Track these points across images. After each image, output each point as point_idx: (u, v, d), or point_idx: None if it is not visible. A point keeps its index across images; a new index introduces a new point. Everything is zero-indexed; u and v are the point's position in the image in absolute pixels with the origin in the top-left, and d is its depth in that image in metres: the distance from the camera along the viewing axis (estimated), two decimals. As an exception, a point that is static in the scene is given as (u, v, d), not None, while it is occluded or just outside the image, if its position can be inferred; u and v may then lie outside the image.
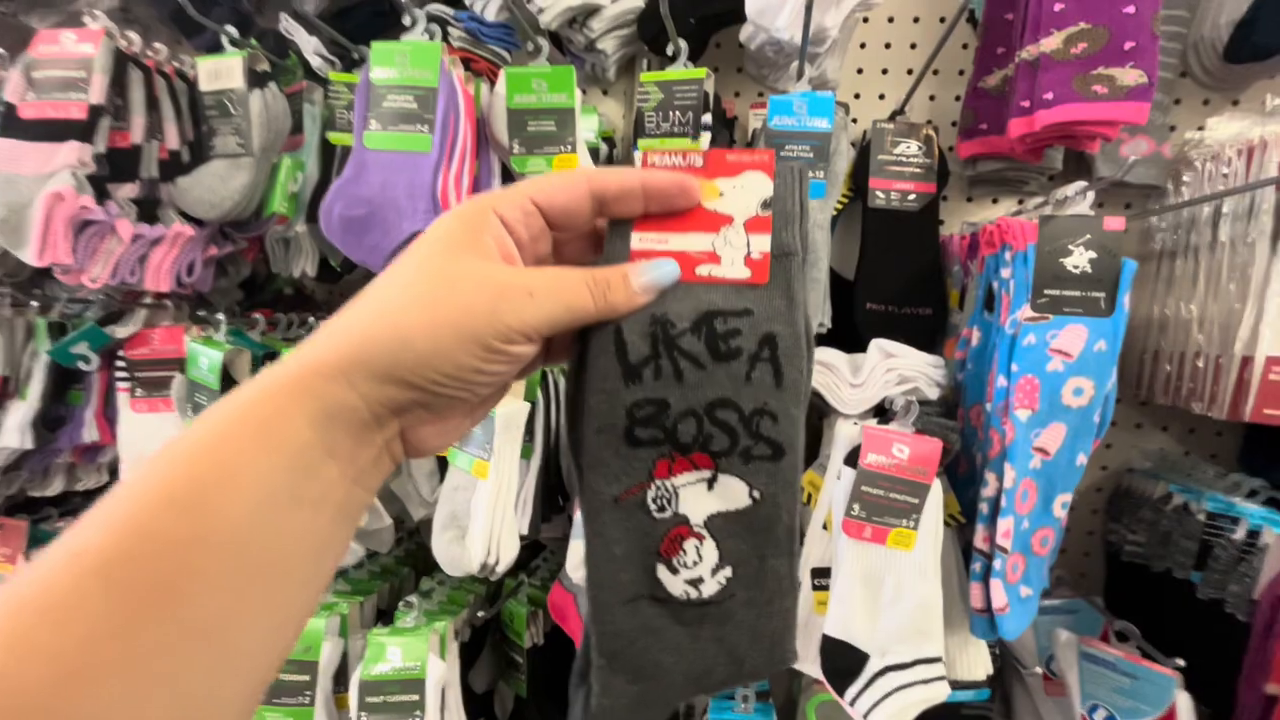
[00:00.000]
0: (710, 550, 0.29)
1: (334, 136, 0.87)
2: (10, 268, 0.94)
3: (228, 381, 0.87)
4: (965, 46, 0.96)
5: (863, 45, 0.98)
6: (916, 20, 0.97)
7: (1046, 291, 0.67)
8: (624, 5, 0.87)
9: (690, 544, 0.29)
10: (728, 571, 0.29)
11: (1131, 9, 0.70)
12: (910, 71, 0.98)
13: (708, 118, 0.81)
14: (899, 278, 0.89)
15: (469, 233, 0.25)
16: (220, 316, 0.91)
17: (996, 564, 0.68)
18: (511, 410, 0.78)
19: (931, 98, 0.99)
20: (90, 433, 0.94)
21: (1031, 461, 0.67)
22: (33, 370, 0.92)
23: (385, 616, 0.97)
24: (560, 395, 0.87)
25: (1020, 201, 0.99)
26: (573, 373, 0.29)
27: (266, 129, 0.86)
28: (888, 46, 0.98)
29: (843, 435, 0.73)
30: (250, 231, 0.93)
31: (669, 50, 0.84)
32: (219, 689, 0.20)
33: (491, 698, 1.05)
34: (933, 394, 0.76)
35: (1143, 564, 0.90)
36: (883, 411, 0.77)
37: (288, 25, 0.89)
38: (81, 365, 0.91)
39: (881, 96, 1.00)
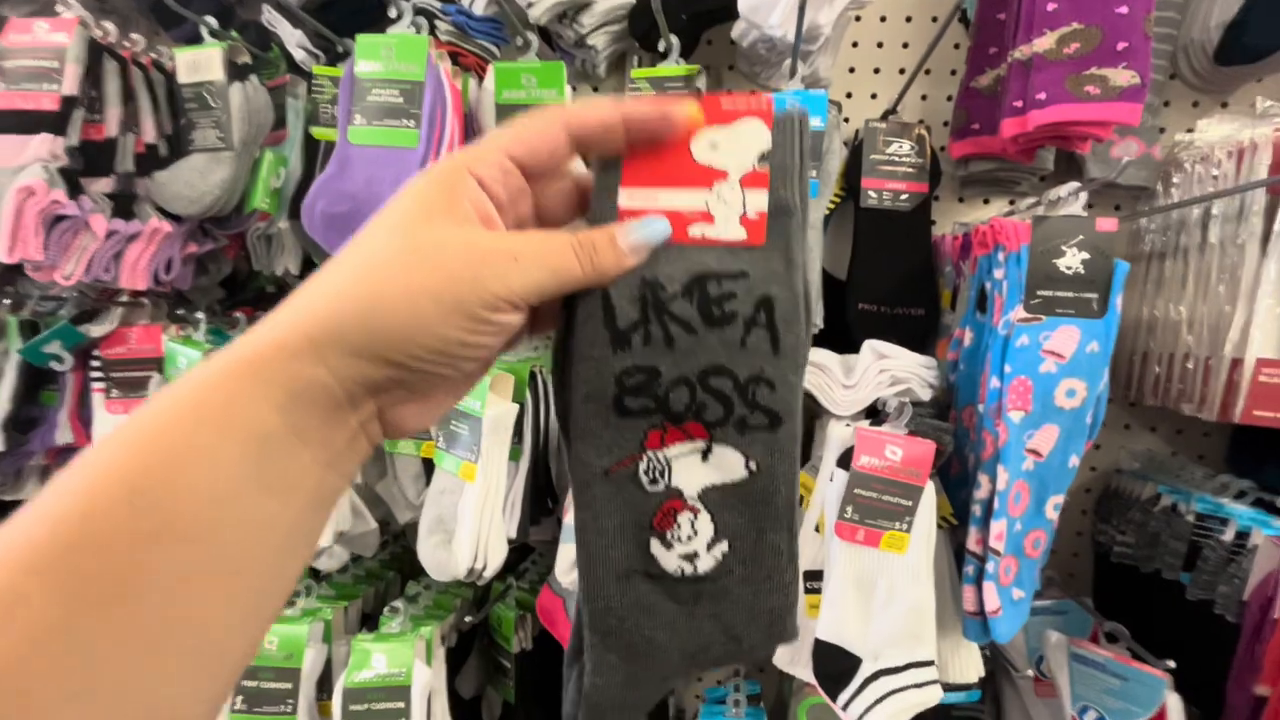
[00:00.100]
0: (705, 524, 0.28)
1: (318, 131, 0.86)
2: (-20, 264, 0.91)
3: (207, 382, 0.84)
4: (957, 46, 0.96)
5: (855, 44, 0.98)
6: (909, 19, 0.97)
7: (1039, 292, 0.67)
8: (615, 0, 0.86)
9: (684, 518, 0.28)
10: (724, 546, 0.28)
11: (1124, 9, 0.70)
12: (902, 71, 0.98)
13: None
14: (891, 278, 0.88)
15: (445, 196, 0.24)
16: (200, 315, 0.89)
17: (989, 566, 0.68)
18: (500, 412, 0.77)
19: (924, 97, 0.99)
20: (64, 434, 0.92)
21: (1024, 463, 0.67)
22: (4, 370, 0.89)
23: (370, 621, 0.96)
24: (549, 397, 0.86)
25: (1012, 202, 0.99)
26: (559, 340, 0.28)
27: (247, 122, 0.83)
28: (880, 45, 0.98)
29: (835, 437, 0.73)
30: (231, 228, 0.91)
31: (660, 46, 0.83)
32: (178, 691, 0.19)
33: (479, 703, 1.04)
34: (925, 395, 0.75)
35: (1132, 565, 0.90)
36: (875, 412, 0.76)
37: (270, 17, 0.87)
38: (54, 365, 0.89)
39: (874, 96, 0.99)
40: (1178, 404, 0.83)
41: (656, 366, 0.27)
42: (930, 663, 0.68)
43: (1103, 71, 0.71)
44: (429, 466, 0.86)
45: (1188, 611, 0.80)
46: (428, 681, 0.79)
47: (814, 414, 0.83)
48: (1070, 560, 1.06)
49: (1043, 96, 0.73)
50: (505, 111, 0.76)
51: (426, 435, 0.84)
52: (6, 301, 0.92)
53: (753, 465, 0.28)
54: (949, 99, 0.96)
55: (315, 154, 0.91)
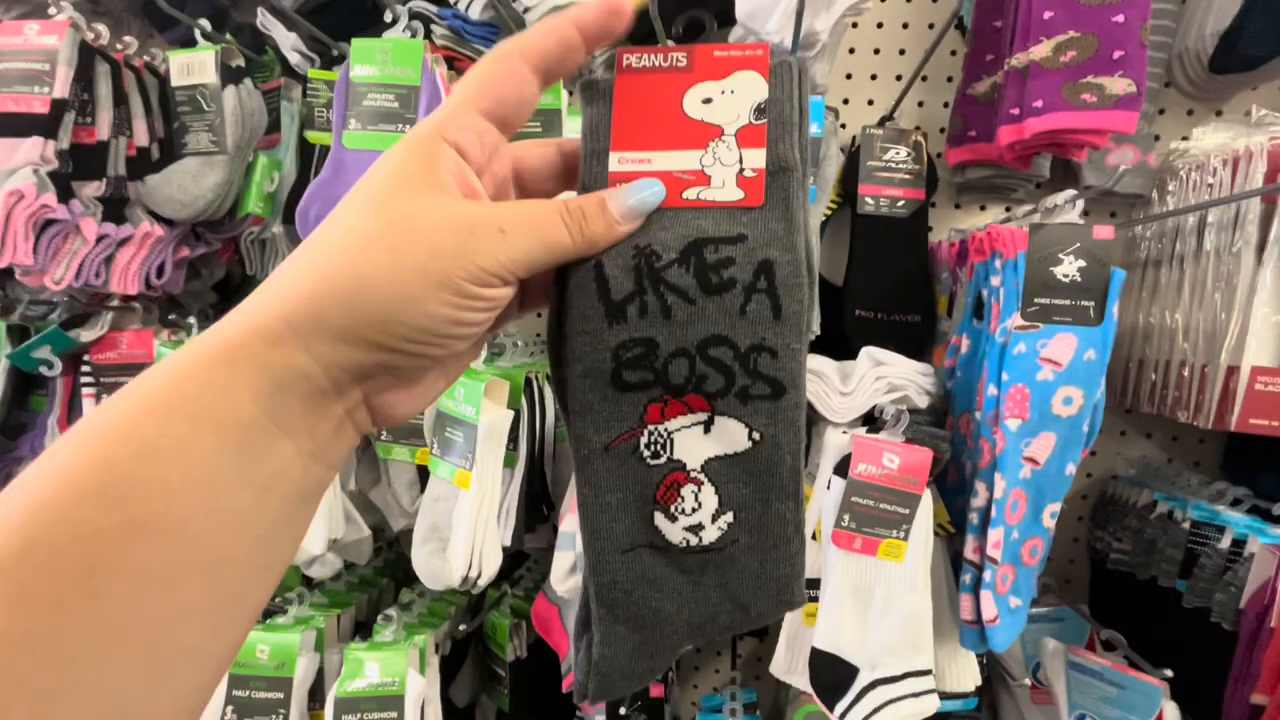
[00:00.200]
0: (709, 496, 0.28)
1: (312, 135, 0.85)
2: (-31, 268, 0.90)
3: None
4: (954, 53, 0.96)
5: (852, 50, 0.98)
6: (906, 26, 0.97)
7: (1037, 300, 0.66)
8: (612, 6, 0.86)
9: (688, 490, 0.28)
10: (729, 517, 0.28)
11: (1120, 18, 0.70)
12: (899, 77, 0.98)
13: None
14: (888, 284, 0.88)
15: (423, 166, 0.22)
16: (192, 320, 0.88)
17: (986, 575, 0.68)
18: (495, 419, 0.76)
19: (920, 104, 0.99)
20: (54, 440, 0.91)
21: (1021, 471, 0.67)
22: (-8, 375, 0.89)
23: (364, 629, 0.95)
24: (545, 403, 0.85)
25: (1008, 209, 0.99)
26: (553, 313, 0.27)
27: (241, 126, 0.83)
28: (876, 52, 0.98)
29: (832, 444, 0.72)
30: (224, 232, 0.90)
31: (657, 52, 0.82)
32: (153, 695, 0.18)
33: (473, 712, 1.03)
34: (922, 402, 0.75)
35: (1128, 572, 0.90)
36: (872, 420, 0.76)
37: (265, 20, 0.86)
38: (44, 370, 0.88)
39: (870, 102, 0.99)
40: (1173, 411, 0.83)
41: (654, 338, 0.26)
42: (928, 672, 0.68)
43: (1099, 79, 0.71)
44: (424, 473, 0.86)
45: (1184, 619, 0.80)
46: (421, 691, 0.78)
47: (811, 421, 0.83)
48: (1066, 567, 1.06)
49: (1039, 104, 0.73)
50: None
51: (421, 442, 0.84)
52: (-5, 306, 0.91)
53: (756, 435, 0.27)
54: (946, 106, 0.96)
55: (310, 158, 0.90)
